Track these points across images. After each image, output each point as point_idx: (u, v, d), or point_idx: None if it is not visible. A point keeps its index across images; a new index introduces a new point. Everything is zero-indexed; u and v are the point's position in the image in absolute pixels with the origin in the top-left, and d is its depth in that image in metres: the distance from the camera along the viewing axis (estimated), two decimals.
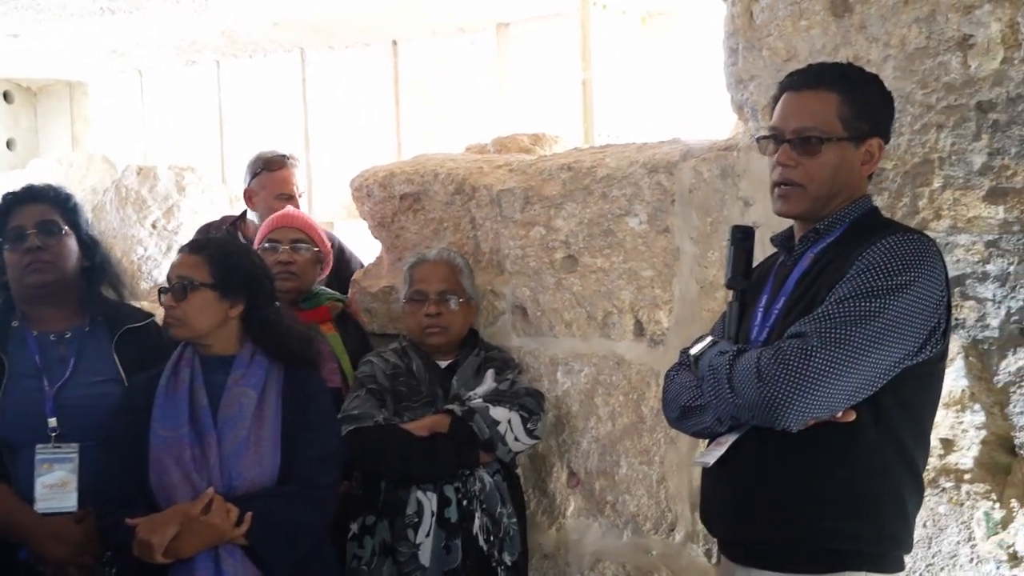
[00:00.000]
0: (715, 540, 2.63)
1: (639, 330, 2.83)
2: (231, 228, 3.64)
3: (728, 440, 1.96)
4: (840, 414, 1.80)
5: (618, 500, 2.87)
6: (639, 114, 5.73)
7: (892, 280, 1.76)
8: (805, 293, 1.91)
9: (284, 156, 3.69)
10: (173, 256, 2.55)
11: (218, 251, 2.47)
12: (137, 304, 2.92)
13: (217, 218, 4.03)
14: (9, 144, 8.69)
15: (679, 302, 2.74)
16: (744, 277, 2.09)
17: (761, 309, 2.02)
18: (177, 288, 2.39)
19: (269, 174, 3.62)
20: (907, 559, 1.99)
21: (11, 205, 2.58)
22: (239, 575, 2.29)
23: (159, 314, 2.62)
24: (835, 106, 1.90)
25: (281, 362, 2.47)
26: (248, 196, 3.66)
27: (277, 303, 2.59)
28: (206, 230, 3.80)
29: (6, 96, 8.66)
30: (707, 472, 2.04)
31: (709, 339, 2.06)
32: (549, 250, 2.94)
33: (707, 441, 2.09)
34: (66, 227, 2.59)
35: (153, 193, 5.37)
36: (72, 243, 2.60)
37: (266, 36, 6.78)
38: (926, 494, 2.25)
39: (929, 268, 1.80)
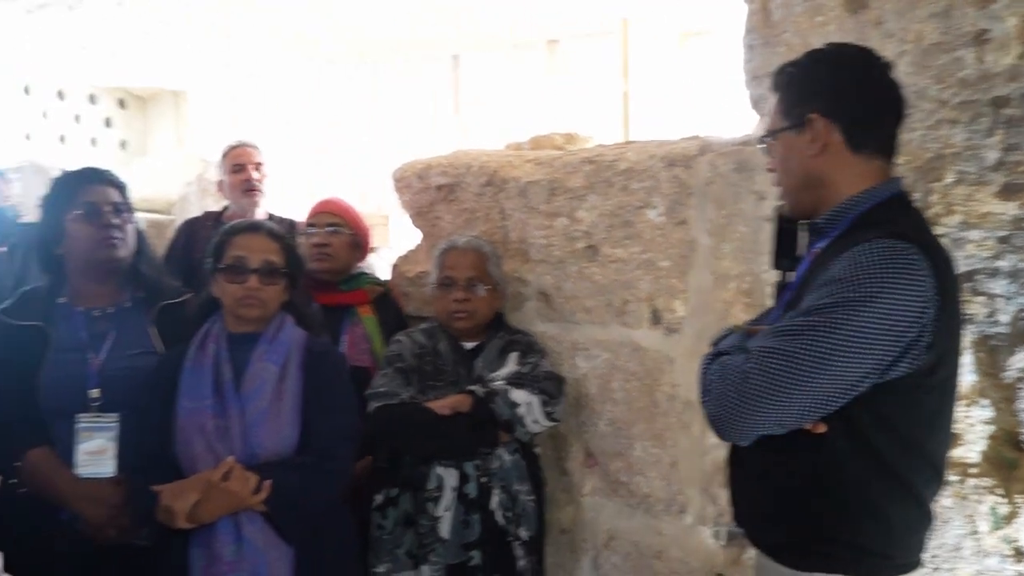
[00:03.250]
0: (724, 524, 2.42)
1: (655, 319, 2.60)
2: (216, 223, 3.48)
3: None
4: (810, 425, 1.53)
5: (632, 481, 2.65)
6: (673, 124, 5.51)
7: (853, 293, 1.46)
8: (796, 297, 1.62)
9: (240, 142, 3.81)
10: None
11: (287, 240, 2.36)
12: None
13: (201, 214, 4.00)
14: (123, 145, 8.73)
15: (694, 292, 2.51)
16: (787, 259, 1.80)
17: (781, 304, 1.72)
18: (266, 271, 2.25)
19: (225, 159, 3.76)
20: None
21: (79, 183, 2.40)
22: (259, 540, 2.13)
23: None
24: (777, 104, 1.67)
25: (304, 328, 2.35)
26: (220, 188, 3.82)
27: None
28: (190, 226, 3.75)
29: (121, 103, 8.69)
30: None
31: (729, 329, 1.78)
32: (572, 240, 2.72)
33: None
34: (127, 211, 2.45)
35: None
36: (132, 225, 2.45)
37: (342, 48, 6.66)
38: None
39: (902, 279, 1.45)
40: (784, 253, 1.80)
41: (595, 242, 2.67)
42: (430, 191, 3.05)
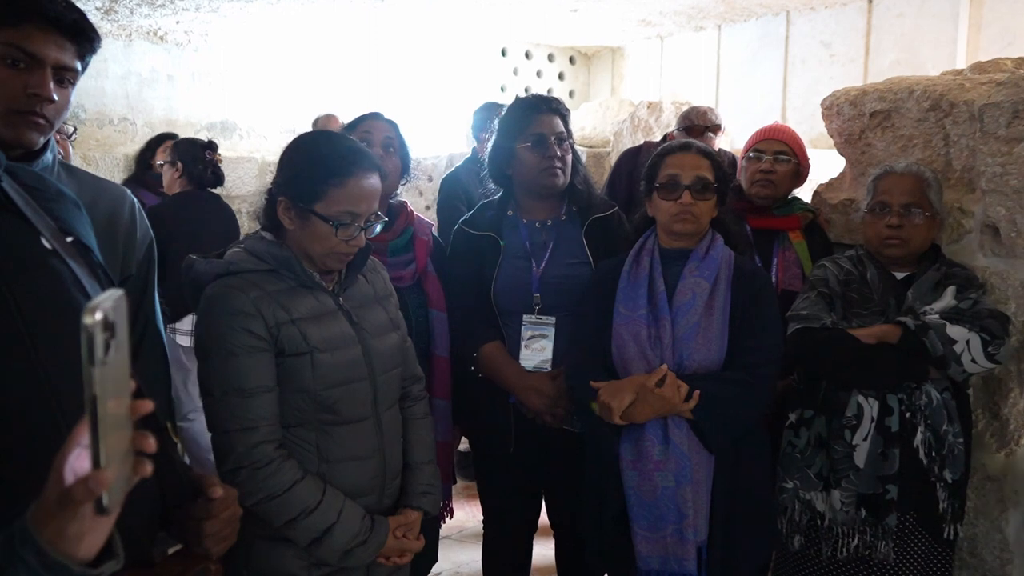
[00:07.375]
0: None
1: None
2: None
3: None
4: None
5: None
6: None
7: None
8: None
9: (695, 108, 3.47)
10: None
11: (717, 158, 1.94)
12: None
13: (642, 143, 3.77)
14: (571, 94, 8.74)
15: None
16: None
17: None
18: (698, 187, 1.87)
19: (679, 119, 3.49)
20: None
21: (530, 112, 2.14)
22: (683, 445, 1.78)
23: None
24: None
25: (732, 247, 1.90)
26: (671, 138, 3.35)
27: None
28: (634, 155, 3.40)
29: (571, 60, 8.67)
30: None
31: None
32: None
33: None
34: (568, 139, 2.16)
35: (658, 122, 4.88)
36: (570, 154, 2.17)
37: (757, 1, 5.88)
38: None
39: None
40: None
41: None
42: (862, 118, 2.39)
